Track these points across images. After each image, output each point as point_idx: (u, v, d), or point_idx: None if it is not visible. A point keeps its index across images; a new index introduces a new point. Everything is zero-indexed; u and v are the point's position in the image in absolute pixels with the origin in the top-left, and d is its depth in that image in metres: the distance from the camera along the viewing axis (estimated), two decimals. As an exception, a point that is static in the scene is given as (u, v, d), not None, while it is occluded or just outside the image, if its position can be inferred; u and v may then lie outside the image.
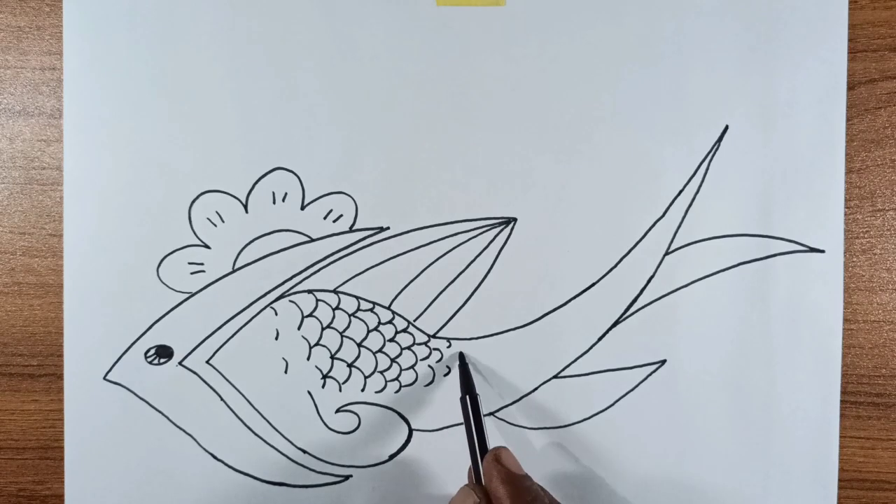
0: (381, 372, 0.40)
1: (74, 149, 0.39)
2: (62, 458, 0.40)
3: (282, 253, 0.40)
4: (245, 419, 0.40)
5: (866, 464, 0.41)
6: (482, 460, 0.35)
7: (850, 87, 0.40)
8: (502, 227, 0.40)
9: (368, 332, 0.40)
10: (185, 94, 0.39)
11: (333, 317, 0.40)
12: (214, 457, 0.40)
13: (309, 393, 0.40)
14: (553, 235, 0.40)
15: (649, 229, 0.40)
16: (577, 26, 0.40)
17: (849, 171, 0.40)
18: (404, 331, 0.40)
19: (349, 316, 0.40)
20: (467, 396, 0.37)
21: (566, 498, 0.40)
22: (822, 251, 0.40)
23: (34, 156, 0.40)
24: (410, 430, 0.40)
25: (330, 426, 0.40)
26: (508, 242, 0.40)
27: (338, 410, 0.40)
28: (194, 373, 0.40)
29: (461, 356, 0.39)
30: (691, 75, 0.40)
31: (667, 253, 0.40)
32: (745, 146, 0.40)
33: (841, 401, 0.40)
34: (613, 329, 0.40)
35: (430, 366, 0.40)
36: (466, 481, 0.36)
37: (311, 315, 0.40)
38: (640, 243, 0.40)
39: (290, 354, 0.40)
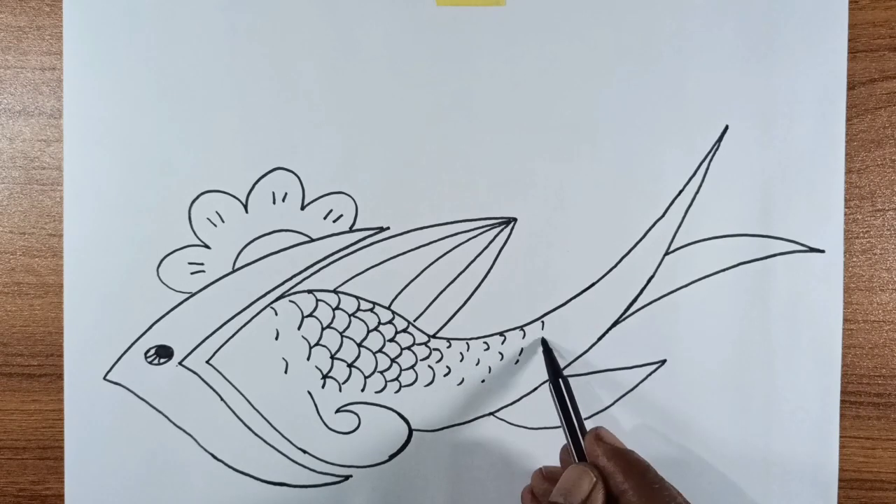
0: (381, 372, 0.40)
1: (74, 149, 0.39)
2: (62, 458, 0.40)
3: (282, 253, 0.40)
4: (245, 419, 0.40)
5: (866, 464, 0.41)
6: (583, 440, 0.34)
7: (850, 87, 0.40)
8: (502, 227, 0.40)
9: (368, 332, 0.40)
10: (185, 94, 0.39)
11: (333, 317, 0.40)
12: (214, 457, 0.40)
13: (309, 393, 0.40)
14: (553, 235, 0.40)
15: (649, 229, 0.40)
16: (577, 26, 0.40)
17: (849, 171, 0.40)
18: (404, 331, 0.40)
19: (349, 316, 0.40)
20: (559, 380, 0.36)
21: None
22: (822, 251, 0.40)
23: (34, 156, 0.40)
24: (410, 430, 0.40)
25: (330, 426, 0.40)
26: (508, 242, 0.40)
27: (338, 410, 0.40)
28: (194, 373, 0.40)
29: (544, 341, 0.39)
30: (691, 75, 0.40)
31: (667, 253, 0.40)
32: (745, 146, 0.40)
33: (841, 401, 0.40)
34: (613, 329, 0.40)
35: (429, 366, 0.40)
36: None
37: (311, 315, 0.40)
38: (640, 243, 0.40)
39: (290, 354, 0.40)
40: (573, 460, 0.34)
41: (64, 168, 0.39)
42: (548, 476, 0.37)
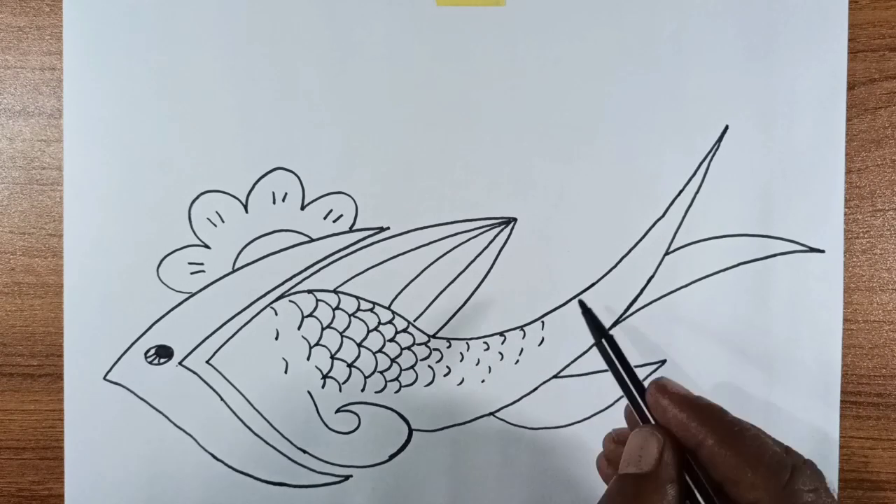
0: (381, 372, 0.40)
1: (74, 149, 0.39)
2: (62, 458, 0.40)
3: (282, 253, 0.40)
4: (245, 419, 0.40)
5: (866, 464, 0.41)
6: (640, 397, 0.31)
7: (850, 87, 0.40)
8: (502, 227, 0.40)
9: (368, 332, 0.40)
10: (185, 94, 0.39)
11: (333, 317, 0.40)
12: (214, 457, 0.40)
13: (309, 393, 0.40)
14: (553, 235, 0.40)
15: (649, 229, 0.40)
16: (577, 27, 0.40)
17: (849, 171, 0.40)
18: (404, 331, 0.40)
19: (349, 316, 0.40)
20: (602, 339, 0.33)
21: (566, 498, 0.40)
22: (822, 251, 0.40)
23: (34, 156, 0.40)
24: (410, 430, 0.40)
25: (330, 426, 0.40)
26: (508, 242, 0.40)
27: (338, 410, 0.40)
28: (194, 373, 0.40)
29: (581, 303, 0.35)
30: (691, 75, 0.40)
31: (667, 253, 0.40)
32: (745, 146, 0.40)
33: (841, 401, 0.40)
34: (613, 329, 0.40)
35: (430, 366, 0.40)
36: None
37: (311, 315, 0.40)
38: (640, 243, 0.40)
39: (290, 354, 0.40)
40: (637, 420, 0.31)
41: (64, 168, 0.39)
42: (618, 440, 0.35)
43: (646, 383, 0.40)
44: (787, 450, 0.31)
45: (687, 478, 0.28)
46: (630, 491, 0.28)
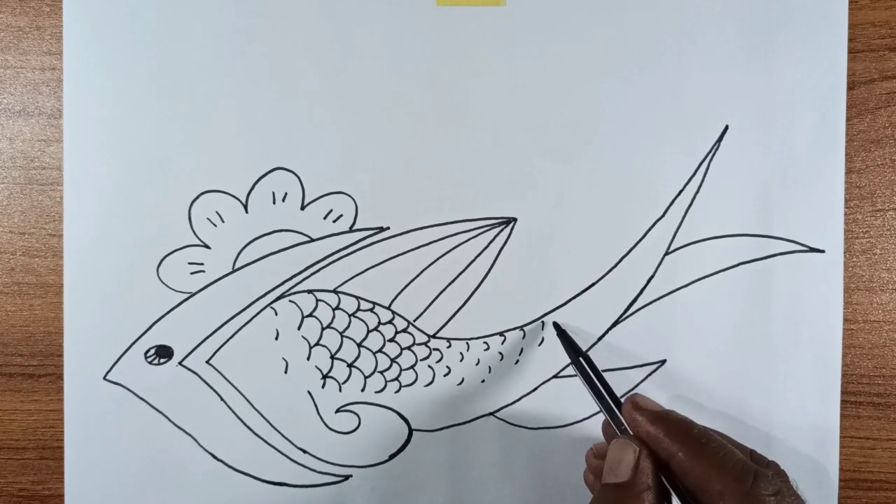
0: (381, 372, 0.40)
1: (74, 149, 0.39)
2: (62, 458, 0.40)
3: (282, 253, 0.40)
4: (245, 419, 0.40)
5: (866, 464, 0.41)
6: (619, 411, 0.34)
7: (850, 87, 0.40)
8: (502, 227, 0.40)
9: (368, 332, 0.40)
10: (185, 94, 0.39)
11: (333, 317, 0.40)
12: (214, 457, 0.40)
13: (309, 393, 0.40)
14: (553, 235, 0.40)
15: (649, 229, 0.40)
16: (577, 27, 0.40)
17: (849, 171, 0.40)
18: (404, 331, 0.40)
19: (349, 316, 0.40)
20: (580, 358, 0.36)
21: (566, 498, 0.40)
22: (822, 251, 0.40)
23: (34, 156, 0.40)
24: (410, 430, 0.40)
25: (330, 426, 0.40)
26: (508, 242, 0.40)
27: (338, 410, 0.40)
28: (194, 373, 0.40)
29: (555, 325, 0.39)
30: (691, 75, 0.40)
31: (667, 253, 0.40)
32: (745, 146, 0.40)
33: (841, 401, 0.40)
34: (613, 329, 0.40)
35: (429, 366, 0.40)
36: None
37: (311, 315, 0.40)
38: (640, 243, 0.40)
39: (290, 354, 0.40)
40: (616, 433, 0.34)
41: (64, 168, 0.39)
42: (598, 454, 0.37)
43: (646, 383, 0.40)
44: (752, 454, 0.33)
45: (667, 484, 0.30)
46: (611, 499, 0.31)
